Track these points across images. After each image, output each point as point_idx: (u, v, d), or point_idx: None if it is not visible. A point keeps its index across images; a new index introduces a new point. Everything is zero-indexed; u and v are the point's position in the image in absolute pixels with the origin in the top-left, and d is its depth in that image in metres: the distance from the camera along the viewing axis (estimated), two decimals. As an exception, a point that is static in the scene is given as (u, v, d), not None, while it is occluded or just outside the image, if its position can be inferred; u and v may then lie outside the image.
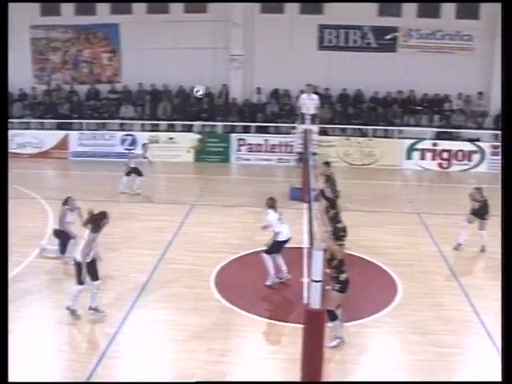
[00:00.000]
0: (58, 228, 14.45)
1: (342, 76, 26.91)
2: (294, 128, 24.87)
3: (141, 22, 27.29)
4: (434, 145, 25.35)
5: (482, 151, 25.10)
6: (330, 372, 9.46)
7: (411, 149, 25.30)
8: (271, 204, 13.18)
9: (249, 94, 27.75)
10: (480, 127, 26.44)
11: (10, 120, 26.76)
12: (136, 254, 14.67)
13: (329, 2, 26.85)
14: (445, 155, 25.27)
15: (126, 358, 10.16)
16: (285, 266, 13.08)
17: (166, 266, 14.03)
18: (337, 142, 25.45)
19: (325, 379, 8.93)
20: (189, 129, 26.19)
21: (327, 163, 16.01)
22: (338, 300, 10.30)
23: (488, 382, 9.28)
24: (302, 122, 23.44)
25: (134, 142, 25.66)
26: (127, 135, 25.92)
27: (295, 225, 14.03)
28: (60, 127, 26.84)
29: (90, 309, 11.32)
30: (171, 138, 25.56)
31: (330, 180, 15.05)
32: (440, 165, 25.30)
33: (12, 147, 25.29)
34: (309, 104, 23.48)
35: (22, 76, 27.57)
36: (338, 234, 12.50)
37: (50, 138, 26.19)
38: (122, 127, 26.91)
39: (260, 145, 25.43)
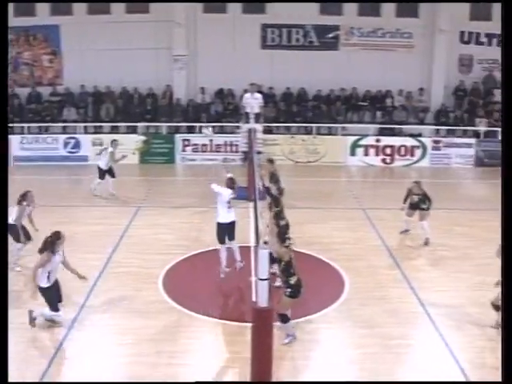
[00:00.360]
0: (12, 223, 13.63)
1: (286, 75, 27.09)
2: (238, 127, 24.95)
3: (82, 22, 26.89)
4: (377, 141, 25.70)
5: (423, 146, 25.55)
6: (280, 369, 9.52)
7: (355, 145, 25.60)
8: (229, 184, 13.30)
9: (193, 94, 27.66)
10: (421, 123, 26.94)
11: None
12: (82, 258, 14.43)
13: (271, 1, 26.98)
14: (388, 151, 25.65)
15: (74, 363, 10.02)
16: (239, 256, 13.26)
17: (113, 269, 13.90)
18: (281, 140, 25.57)
19: (275, 377, 8.97)
20: (133, 130, 25.94)
21: (271, 160, 16.08)
22: (289, 305, 10.30)
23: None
24: (247, 122, 23.54)
25: (77, 145, 25.32)
26: (70, 138, 25.55)
27: (241, 223, 14.04)
28: (1, 131, 26.28)
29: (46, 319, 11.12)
30: (115, 140, 25.23)
31: (274, 177, 15.12)
32: (383, 160, 25.66)
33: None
34: (253, 103, 23.60)
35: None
36: (281, 231, 12.69)
37: (-9, 142, 25.62)
38: (64, 130, 26.48)
39: (205, 145, 25.37)
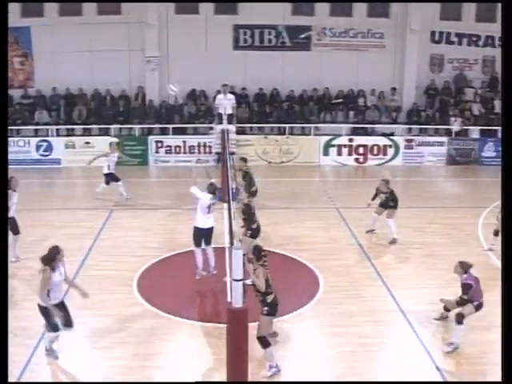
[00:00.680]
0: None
1: (258, 75, 27.12)
2: (211, 128, 24.92)
3: (53, 24, 26.69)
4: (350, 140, 25.81)
5: (396, 145, 25.72)
6: (257, 370, 9.53)
7: (328, 145, 25.68)
8: (210, 189, 13.09)
9: (165, 95, 27.56)
10: (394, 122, 27.11)
11: None
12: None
13: (243, 1, 26.98)
14: (361, 150, 25.76)
15: (48, 368, 9.95)
16: (213, 262, 13.15)
17: (87, 272, 13.80)
18: (255, 140, 25.58)
19: (252, 378, 8.98)
20: (105, 132, 25.79)
21: (244, 159, 16.09)
22: (269, 324, 9.99)
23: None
24: (220, 122, 23.51)
25: (49, 148, 25.12)
26: (42, 141, 25.34)
27: (216, 225, 14.01)
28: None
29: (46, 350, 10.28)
30: (88, 143, 25.10)
31: (247, 176, 15.15)
32: (356, 160, 25.77)
33: None
34: (226, 104, 23.57)
35: None
36: (252, 232, 12.89)
37: (-39, 146, 25.34)
38: (36, 133, 26.26)
39: (178, 146, 25.31)
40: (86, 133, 26.27)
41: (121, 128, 26.29)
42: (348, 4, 27.62)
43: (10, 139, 24.93)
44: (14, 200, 14.18)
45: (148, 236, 16.20)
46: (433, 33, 28.12)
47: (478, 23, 28.00)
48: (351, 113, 27.55)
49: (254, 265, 9.70)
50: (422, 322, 11.39)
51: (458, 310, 10.64)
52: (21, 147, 25.10)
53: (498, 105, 26.53)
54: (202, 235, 12.96)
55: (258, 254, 9.84)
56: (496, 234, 14.66)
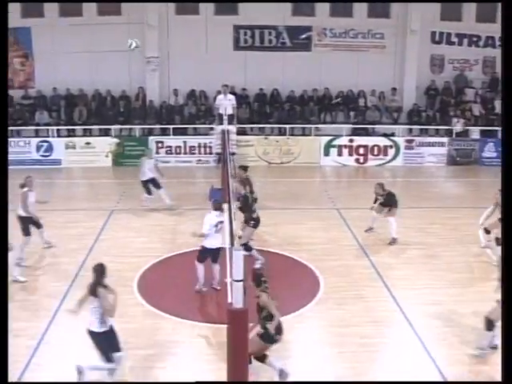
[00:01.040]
0: (23, 215, 14.43)
1: (259, 76, 27.14)
2: (211, 129, 24.93)
3: (53, 25, 26.73)
4: (351, 141, 25.80)
5: (396, 146, 25.72)
6: (258, 370, 9.53)
7: (328, 146, 25.68)
8: (216, 206, 12.58)
9: (166, 95, 27.59)
10: (394, 122, 27.11)
11: None
12: (56, 262, 14.40)
13: (243, 2, 26.99)
14: (361, 151, 25.76)
15: (49, 369, 9.94)
16: (218, 277, 12.74)
17: (87, 273, 13.77)
18: (255, 141, 25.59)
19: (252, 378, 8.97)
20: (106, 133, 25.81)
21: (244, 168, 16.04)
22: (262, 349, 9.53)
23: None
24: (220, 123, 23.52)
25: (50, 149, 25.14)
26: (43, 141, 25.35)
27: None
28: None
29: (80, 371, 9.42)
30: (88, 143, 25.12)
31: (247, 183, 15.15)
32: (357, 160, 25.77)
33: None
34: (226, 104, 23.59)
35: None
36: (254, 221, 12.96)
37: (-38, 146, 25.36)
38: (37, 134, 26.27)
39: (179, 147, 25.32)
40: (87, 133, 26.30)
41: (121, 128, 26.30)
42: (348, 4, 27.62)
43: (10, 140, 24.96)
44: (32, 199, 14.60)
45: (148, 236, 16.21)
46: (433, 33, 28.12)
47: (478, 23, 27.99)
48: (351, 113, 27.55)
49: (256, 292, 9.42)
50: (423, 323, 11.39)
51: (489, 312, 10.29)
52: (21, 148, 25.12)
53: (498, 105, 26.51)
54: (209, 254, 12.62)
55: (258, 280, 9.52)
56: (487, 231, 14.62)
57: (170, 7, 27.24)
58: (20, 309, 11.62)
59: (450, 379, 9.58)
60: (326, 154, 25.70)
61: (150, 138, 25.63)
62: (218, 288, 12.68)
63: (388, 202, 15.84)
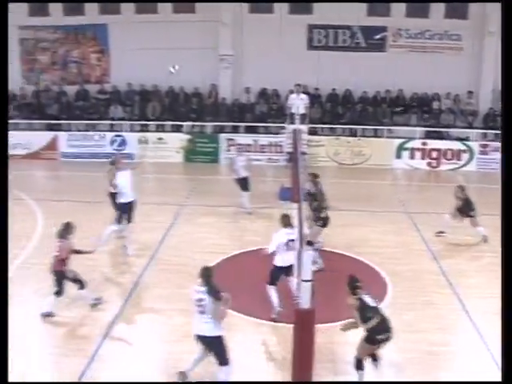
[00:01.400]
0: (113, 191, 15.17)
1: (332, 76, 26.92)
2: (283, 128, 24.91)
3: (130, 22, 27.22)
4: (424, 144, 25.40)
5: (471, 150, 25.17)
6: (321, 371, 9.46)
7: (401, 148, 25.34)
8: (285, 222, 11.85)
9: (238, 93, 27.73)
10: (469, 126, 26.52)
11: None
12: (123, 256, 14.62)
13: (318, 2, 26.87)
14: (434, 154, 25.32)
15: (115, 360, 10.12)
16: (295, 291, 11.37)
17: (156, 267, 14.01)
18: (326, 141, 25.46)
19: (316, 379, 8.92)
20: (178, 129, 26.11)
21: (315, 175, 15.61)
22: (367, 350, 9.43)
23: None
24: (292, 122, 23.47)
25: (123, 143, 25.61)
26: (117, 136, 25.85)
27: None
28: (49, 128, 26.72)
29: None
30: (160, 139, 25.48)
31: (317, 185, 14.93)
32: (429, 164, 25.35)
33: (0, 148, 25.33)
34: (298, 104, 23.53)
35: (10, 77, 27.49)
36: (322, 221, 12.77)
37: (39, 139, 26.08)
38: (111, 128, 26.82)
39: (249, 145, 25.39)
40: (159, 129, 26.64)
41: (193, 125, 26.56)
42: (425, 5, 27.13)
43: (85, 133, 25.64)
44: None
45: (217, 233, 16.32)
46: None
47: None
48: (425, 116, 27.10)
49: (349, 299, 9.29)
50: (493, 333, 11.10)
51: None
52: (96, 141, 25.70)
53: None
54: (281, 273, 11.75)
55: (352, 285, 9.40)
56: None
57: (244, 6, 27.33)
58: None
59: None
60: (398, 156, 25.36)
61: (221, 135, 25.82)
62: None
63: (463, 207, 15.56)
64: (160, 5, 27.29)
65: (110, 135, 25.91)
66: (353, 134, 26.19)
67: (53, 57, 28.61)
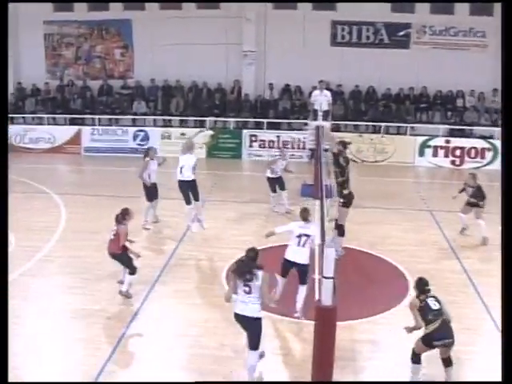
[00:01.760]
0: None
1: (355, 72, 26.89)
2: (306, 124, 24.86)
3: (153, 17, 27.35)
4: (447, 142, 25.24)
5: (495, 148, 24.94)
6: (342, 369, 9.44)
7: (424, 146, 25.19)
8: (303, 216, 11.52)
9: (261, 89, 27.73)
10: (493, 124, 26.28)
11: (23, 115, 26.98)
12: (145, 250, 14.65)
13: (342, 1, 26.78)
14: (457, 152, 25.14)
15: (135, 354, 10.17)
16: (301, 303, 11.34)
17: (178, 261, 14.05)
18: (349, 138, 25.25)
19: (336, 377, 8.90)
20: (201, 125, 26.16)
21: (344, 144, 15.22)
22: (424, 349, 9.28)
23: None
24: (314, 119, 23.40)
25: (146, 138, 25.73)
26: (139, 131, 25.98)
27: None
28: (72, 122, 26.91)
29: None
30: (183, 134, 25.54)
31: (344, 157, 14.71)
32: (453, 162, 25.18)
33: (25, 142, 25.60)
34: (321, 100, 23.42)
35: (35, 71, 27.83)
36: (344, 199, 12.78)
37: (63, 133, 26.30)
38: (134, 123, 26.96)
39: (272, 141, 25.40)
40: (183, 124, 26.72)
41: (216, 121, 26.62)
42: (449, 2, 26.94)
43: (108, 128, 25.79)
44: (153, 167, 16.29)
45: (239, 228, 16.32)
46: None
47: None
48: (449, 113, 26.90)
49: (413, 300, 9.27)
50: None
51: None
52: (119, 136, 25.86)
53: None
54: (290, 267, 11.40)
55: (421, 287, 9.33)
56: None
57: (268, 2, 27.33)
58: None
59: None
60: (421, 154, 25.23)
61: (244, 131, 25.84)
62: (302, 319, 11.25)
63: (475, 194, 15.55)
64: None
65: (132, 130, 26.05)
66: (376, 131, 26.07)
67: (77, 52, 28.81)
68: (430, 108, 26.97)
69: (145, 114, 27.06)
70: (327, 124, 23.10)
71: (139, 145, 25.46)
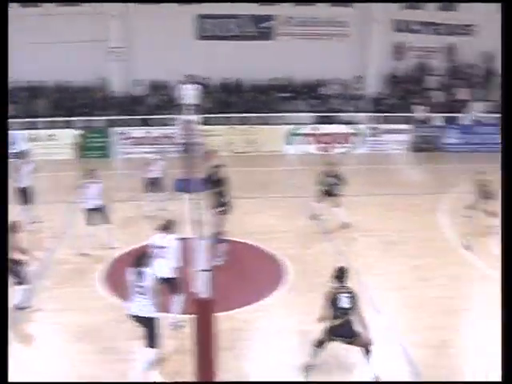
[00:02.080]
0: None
1: (222, 65, 26.99)
2: (175, 119, 24.73)
3: (11, 15, 26.20)
4: (314, 129, 25.87)
5: (361, 133, 25.84)
6: (223, 359, 9.46)
7: (292, 134, 25.70)
8: (161, 226, 10.86)
9: (129, 86, 27.34)
10: (358, 110, 27.20)
11: None
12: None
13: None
14: (325, 139, 25.84)
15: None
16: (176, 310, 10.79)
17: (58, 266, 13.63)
18: (219, 131, 25.50)
19: (218, 367, 8.92)
20: (69, 125, 25.45)
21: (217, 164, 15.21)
22: (323, 339, 9.30)
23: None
24: (183, 113, 23.32)
25: (12, 142, 24.73)
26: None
27: (181, 215, 13.86)
28: None
29: None
30: (51, 136, 24.77)
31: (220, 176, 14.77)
32: (321, 148, 25.84)
33: None
34: (189, 94, 23.39)
35: None
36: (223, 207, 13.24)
37: None
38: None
39: (142, 137, 25.12)
40: (49, 125, 25.85)
41: (84, 120, 25.94)
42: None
43: None
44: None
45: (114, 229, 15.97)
46: (395, 21, 28.30)
47: (438, 12, 28.27)
48: (315, 101, 27.57)
49: (329, 292, 9.26)
50: (389, 308, 11.42)
51: None
52: None
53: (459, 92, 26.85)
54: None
55: (336, 277, 9.41)
56: None
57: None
58: None
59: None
60: (290, 142, 25.74)
61: (113, 129, 25.41)
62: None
63: (333, 187, 15.96)
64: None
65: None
66: (245, 122, 26.32)
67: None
68: (296, 97, 27.52)
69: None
70: (196, 118, 23.12)
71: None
